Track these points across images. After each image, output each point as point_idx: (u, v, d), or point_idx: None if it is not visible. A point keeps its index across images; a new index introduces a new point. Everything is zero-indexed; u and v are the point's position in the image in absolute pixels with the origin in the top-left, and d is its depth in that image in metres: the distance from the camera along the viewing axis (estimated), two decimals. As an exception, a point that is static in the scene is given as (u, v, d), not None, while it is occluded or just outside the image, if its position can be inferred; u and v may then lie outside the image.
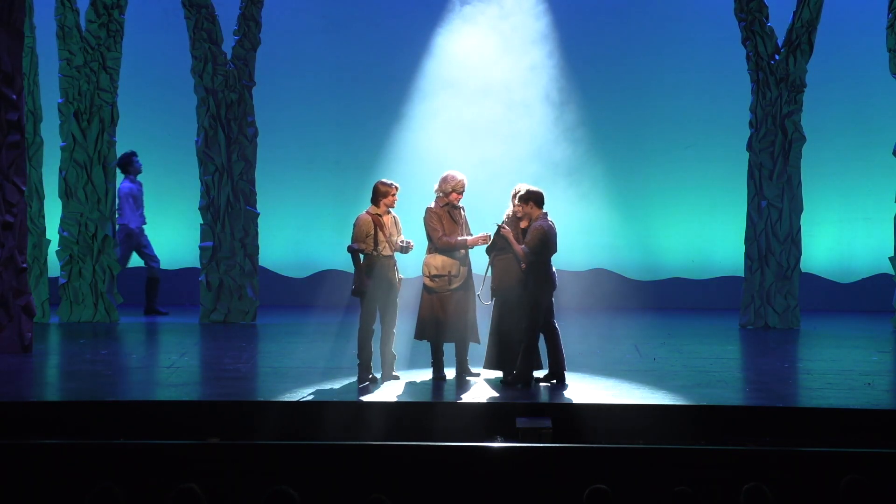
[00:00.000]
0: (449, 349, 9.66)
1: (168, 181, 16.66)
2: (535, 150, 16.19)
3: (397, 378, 9.42)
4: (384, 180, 9.54)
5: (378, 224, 9.36)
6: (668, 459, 7.17)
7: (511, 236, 9.25)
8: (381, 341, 9.46)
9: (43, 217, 14.11)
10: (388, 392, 8.89)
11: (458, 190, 9.51)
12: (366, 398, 8.62)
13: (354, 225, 9.42)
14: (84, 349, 11.75)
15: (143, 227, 15.17)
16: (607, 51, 16.80)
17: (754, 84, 14.20)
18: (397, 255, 9.59)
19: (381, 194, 9.45)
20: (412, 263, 9.90)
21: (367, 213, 9.44)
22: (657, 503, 6.70)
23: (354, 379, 9.43)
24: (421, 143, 16.06)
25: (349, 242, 9.46)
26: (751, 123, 14.23)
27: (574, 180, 15.92)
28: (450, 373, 9.61)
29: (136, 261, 16.27)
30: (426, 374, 9.64)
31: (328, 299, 15.53)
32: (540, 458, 7.15)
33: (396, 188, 9.48)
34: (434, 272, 9.43)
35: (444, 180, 9.53)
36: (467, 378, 9.54)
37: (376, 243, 9.31)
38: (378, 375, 9.44)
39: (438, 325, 9.44)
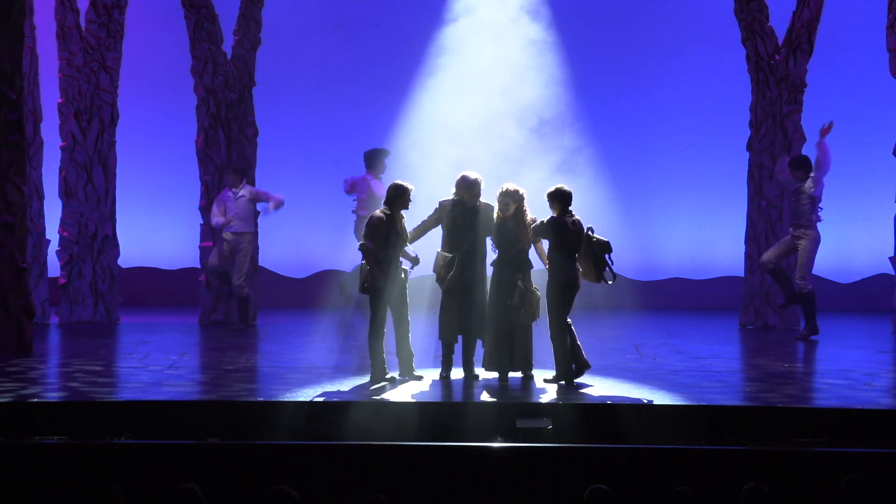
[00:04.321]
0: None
1: (168, 181, 16.68)
2: (535, 151, 16.21)
3: (420, 378, 9.42)
4: (403, 183, 9.41)
5: (391, 225, 9.31)
6: (668, 459, 7.17)
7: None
8: (397, 341, 9.45)
9: (43, 217, 14.11)
10: (388, 393, 8.89)
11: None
12: (365, 399, 8.61)
13: (368, 224, 9.30)
14: (84, 349, 11.75)
15: None
16: (607, 50, 16.82)
17: (754, 84, 14.21)
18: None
19: (398, 196, 9.36)
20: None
21: (382, 212, 9.34)
22: (657, 503, 6.69)
23: (354, 379, 9.44)
24: (420, 143, 16.06)
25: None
26: (751, 123, 14.23)
27: (574, 180, 15.93)
28: (457, 372, 9.64)
29: (132, 261, 16.29)
30: (429, 374, 9.65)
31: (328, 299, 15.55)
32: (540, 458, 7.15)
33: (411, 190, 9.46)
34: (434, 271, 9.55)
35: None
36: (468, 378, 9.56)
37: (387, 244, 9.27)
38: (396, 375, 9.46)
39: (447, 324, 9.52)
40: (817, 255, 12.89)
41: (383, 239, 9.24)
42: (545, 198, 9.42)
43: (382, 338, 9.37)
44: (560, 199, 9.37)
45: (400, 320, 9.46)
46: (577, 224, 9.35)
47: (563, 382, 9.26)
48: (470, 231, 9.47)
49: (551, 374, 9.45)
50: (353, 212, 14.31)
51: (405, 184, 9.43)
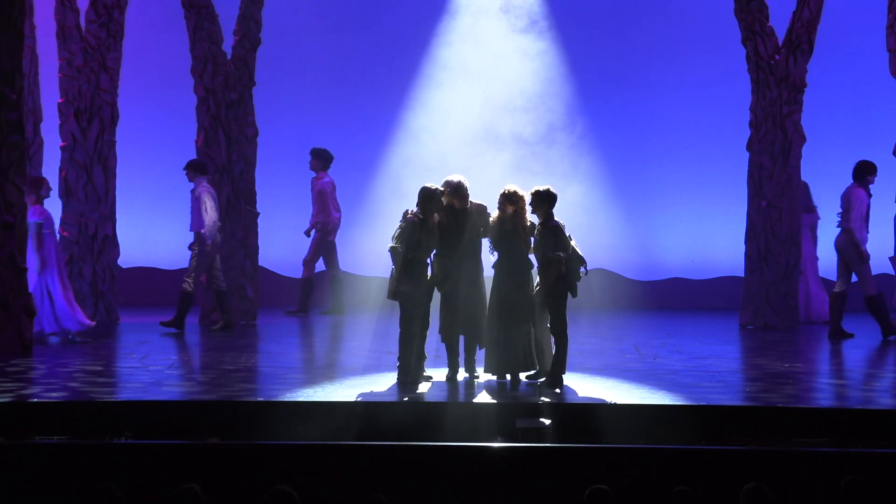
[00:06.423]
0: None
1: (168, 181, 16.67)
2: (534, 151, 16.22)
3: (430, 378, 9.43)
4: (432, 185, 9.29)
5: (423, 229, 9.25)
6: (668, 459, 7.17)
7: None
8: (417, 343, 9.42)
9: (43, 217, 14.11)
10: (387, 392, 8.89)
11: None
12: (364, 399, 8.61)
13: (402, 227, 9.23)
14: (84, 349, 11.75)
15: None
16: (607, 51, 16.82)
17: (754, 84, 14.20)
18: None
19: (428, 199, 9.25)
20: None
21: (416, 216, 9.23)
22: (657, 503, 6.70)
23: (354, 379, 9.46)
24: (420, 143, 16.07)
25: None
26: (751, 123, 14.23)
27: (574, 180, 15.94)
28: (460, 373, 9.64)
29: (132, 261, 16.27)
30: (434, 374, 9.65)
31: (328, 299, 15.56)
32: (540, 458, 7.16)
33: (442, 192, 9.39)
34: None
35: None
36: (470, 378, 9.55)
37: (419, 248, 9.22)
38: (431, 375, 9.50)
39: (447, 325, 9.50)
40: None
41: (415, 242, 9.17)
42: (531, 197, 9.30)
43: (412, 343, 9.27)
44: (549, 200, 9.25)
45: (423, 325, 9.41)
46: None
47: (556, 388, 9.18)
48: (463, 234, 9.43)
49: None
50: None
51: (435, 186, 9.33)
